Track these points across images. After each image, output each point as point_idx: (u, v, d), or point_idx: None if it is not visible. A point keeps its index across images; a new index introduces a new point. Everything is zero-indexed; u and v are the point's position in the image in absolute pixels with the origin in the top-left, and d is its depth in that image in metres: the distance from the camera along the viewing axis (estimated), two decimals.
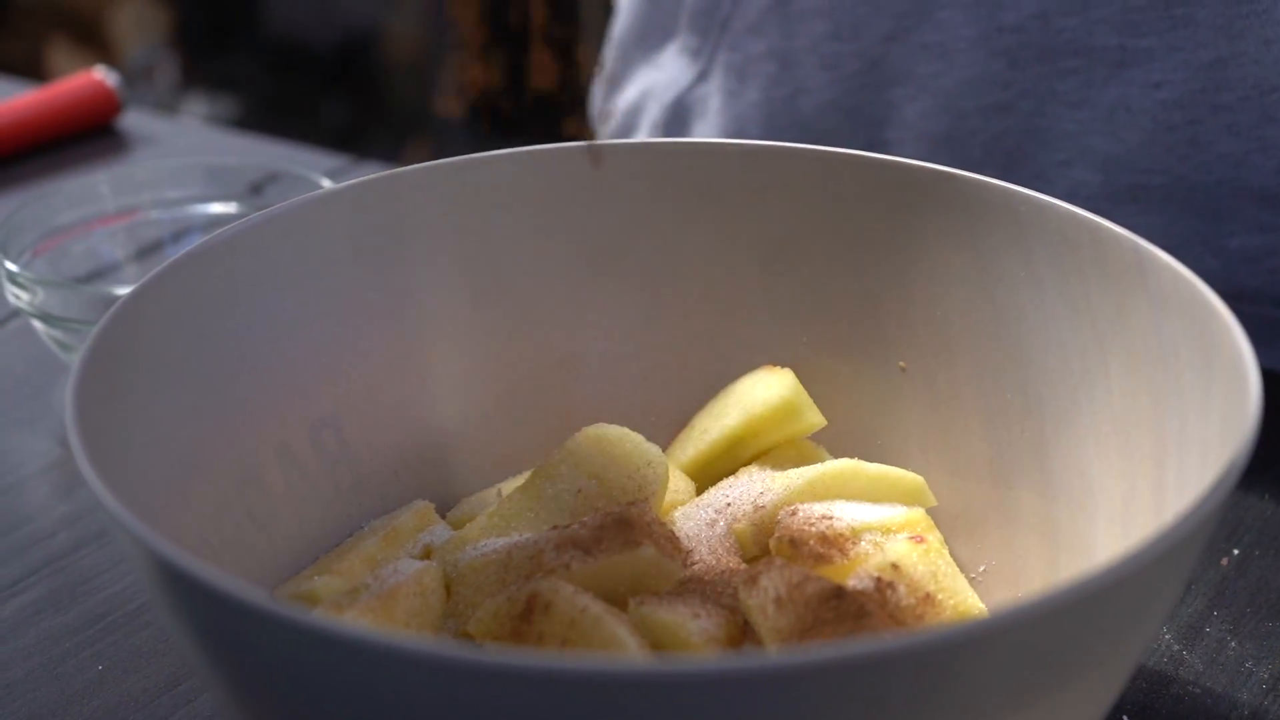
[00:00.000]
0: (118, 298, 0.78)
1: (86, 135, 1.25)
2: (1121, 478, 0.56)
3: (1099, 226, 0.58)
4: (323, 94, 3.41)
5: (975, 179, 0.62)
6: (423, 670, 0.38)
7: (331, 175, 1.03)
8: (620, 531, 0.56)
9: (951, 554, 0.60)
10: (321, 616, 0.39)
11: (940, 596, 0.55)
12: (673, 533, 0.59)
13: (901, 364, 0.65)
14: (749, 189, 0.66)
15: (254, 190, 0.95)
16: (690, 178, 0.66)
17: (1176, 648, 0.63)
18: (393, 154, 2.55)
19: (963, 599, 0.56)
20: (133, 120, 1.29)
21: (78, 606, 0.68)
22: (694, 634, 0.52)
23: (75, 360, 0.50)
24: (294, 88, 3.44)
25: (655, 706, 0.37)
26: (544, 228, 0.66)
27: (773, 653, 0.38)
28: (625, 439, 0.61)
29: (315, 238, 0.61)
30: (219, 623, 0.42)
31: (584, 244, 0.67)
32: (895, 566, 0.55)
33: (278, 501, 0.59)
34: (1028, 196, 0.60)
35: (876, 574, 0.55)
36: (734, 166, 0.65)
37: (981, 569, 0.62)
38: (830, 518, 0.59)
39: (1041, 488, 0.60)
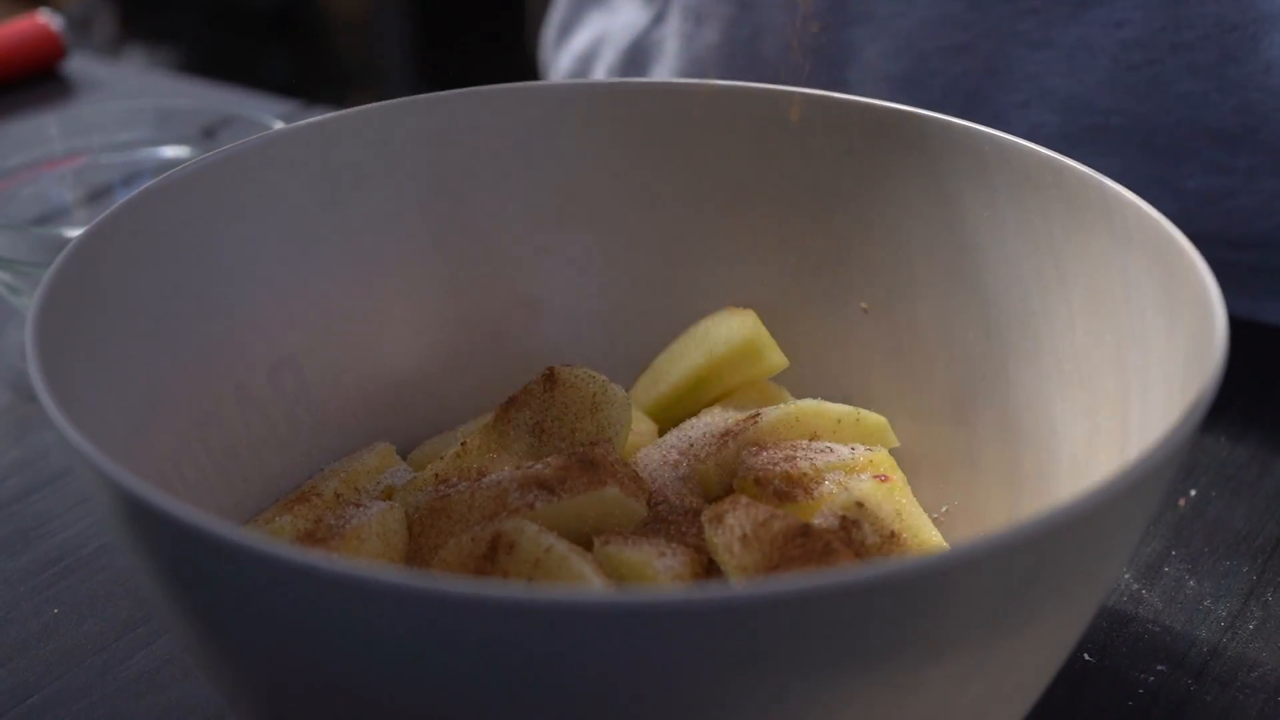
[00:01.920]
0: (67, 240, 0.77)
1: (30, 80, 1.23)
2: (1084, 416, 0.56)
3: (1063, 166, 0.58)
4: (262, 47, 3.38)
5: (938, 118, 0.61)
6: (397, 601, 0.37)
7: (283, 119, 1.02)
8: (585, 471, 0.56)
9: (915, 494, 0.60)
10: (292, 548, 0.38)
11: (904, 535, 0.55)
12: (636, 473, 0.58)
13: (864, 304, 0.65)
14: (710, 129, 0.65)
15: (206, 133, 0.93)
16: (651, 118, 0.66)
17: (1136, 586, 0.63)
18: (336, 108, 2.52)
19: (927, 537, 0.56)
20: (77, 65, 1.27)
21: (31, 551, 0.67)
22: (660, 571, 0.52)
23: (30, 301, 0.49)
24: (233, 41, 3.40)
25: (623, 637, 0.37)
26: (504, 168, 0.66)
27: (741, 585, 0.38)
28: (588, 380, 0.60)
29: (273, 177, 0.60)
30: (188, 558, 0.41)
31: (544, 185, 0.66)
32: (860, 505, 0.55)
33: (237, 443, 0.59)
34: (991, 136, 0.60)
35: (841, 512, 0.55)
36: (695, 106, 0.65)
37: (944, 509, 0.62)
38: (794, 458, 0.59)
39: (1004, 428, 0.60)
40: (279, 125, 0.87)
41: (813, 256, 0.65)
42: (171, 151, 0.91)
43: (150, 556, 0.43)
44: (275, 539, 0.52)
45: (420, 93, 0.63)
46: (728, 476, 0.60)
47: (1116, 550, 0.45)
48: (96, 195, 0.90)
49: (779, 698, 0.38)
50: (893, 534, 0.55)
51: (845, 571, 0.37)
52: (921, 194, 0.62)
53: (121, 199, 0.55)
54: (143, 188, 0.56)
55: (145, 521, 0.41)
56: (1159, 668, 0.59)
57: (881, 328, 0.64)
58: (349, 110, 0.62)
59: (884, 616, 0.38)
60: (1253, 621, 0.62)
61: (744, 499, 0.54)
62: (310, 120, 0.62)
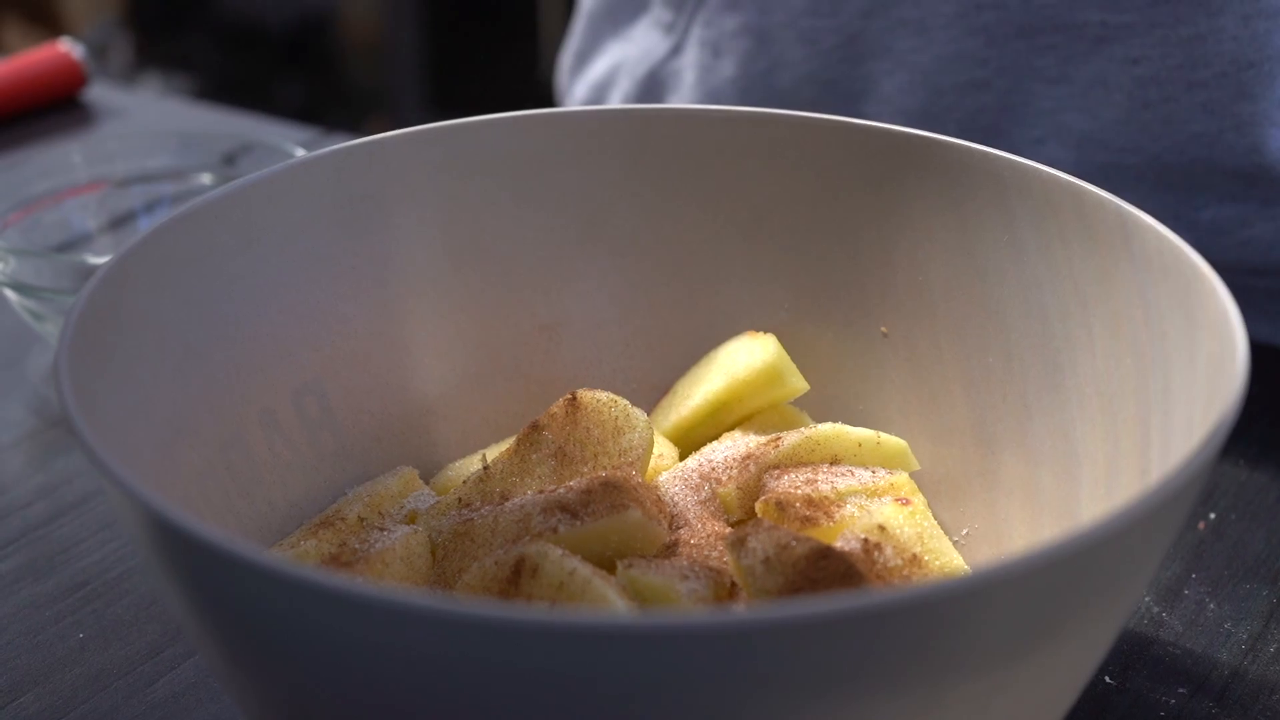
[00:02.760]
0: (92, 267, 0.78)
1: (51, 108, 1.24)
2: (1105, 440, 0.56)
3: (1082, 190, 0.58)
4: (278, 74, 3.39)
5: (957, 144, 0.62)
6: (423, 624, 0.38)
7: (304, 146, 1.03)
8: (608, 495, 0.56)
9: (935, 517, 0.60)
10: (319, 571, 0.39)
11: (926, 558, 0.55)
12: (659, 496, 0.59)
13: (883, 329, 0.65)
14: (730, 155, 0.66)
15: (227, 160, 0.94)
16: (672, 144, 0.66)
17: (1156, 610, 0.64)
18: (353, 133, 2.53)
19: (948, 560, 0.56)
20: (98, 93, 1.28)
21: (56, 576, 0.68)
22: (683, 595, 0.53)
23: (53, 326, 0.50)
24: (249, 68, 3.42)
25: (650, 659, 0.37)
26: (525, 194, 0.66)
27: (765, 608, 0.38)
28: (611, 404, 0.61)
29: (297, 204, 0.61)
30: (218, 581, 0.41)
31: (565, 210, 0.67)
32: (882, 528, 0.56)
33: (261, 467, 0.59)
34: (1010, 161, 0.60)
35: (863, 535, 0.55)
36: (716, 133, 0.65)
37: (965, 532, 0.62)
38: (815, 481, 0.59)
39: (1024, 451, 0.60)
40: (300, 152, 0.88)
41: (832, 281, 0.66)
42: (193, 179, 0.92)
43: (180, 579, 0.44)
44: (301, 563, 0.52)
45: (435, 117, 0.63)
46: (749, 500, 0.60)
47: (1139, 573, 0.45)
48: (119, 222, 0.91)
49: (800, 718, 0.39)
50: (914, 557, 0.55)
51: (869, 595, 0.37)
52: (940, 219, 0.63)
53: (145, 226, 0.56)
54: (168, 216, 0.56)
55: (176, 545, 0.42)
56: (1180, 690, 0.59)
57: (901, 352, 0.65)
58: (370, 138, 0.63)
59: (907, 639, 0.38)
60: (1274, 644, 0.62)
61: (766, 522, 0.54)
62: (332, 149, 0.62)
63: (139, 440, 0.52)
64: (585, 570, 0.52)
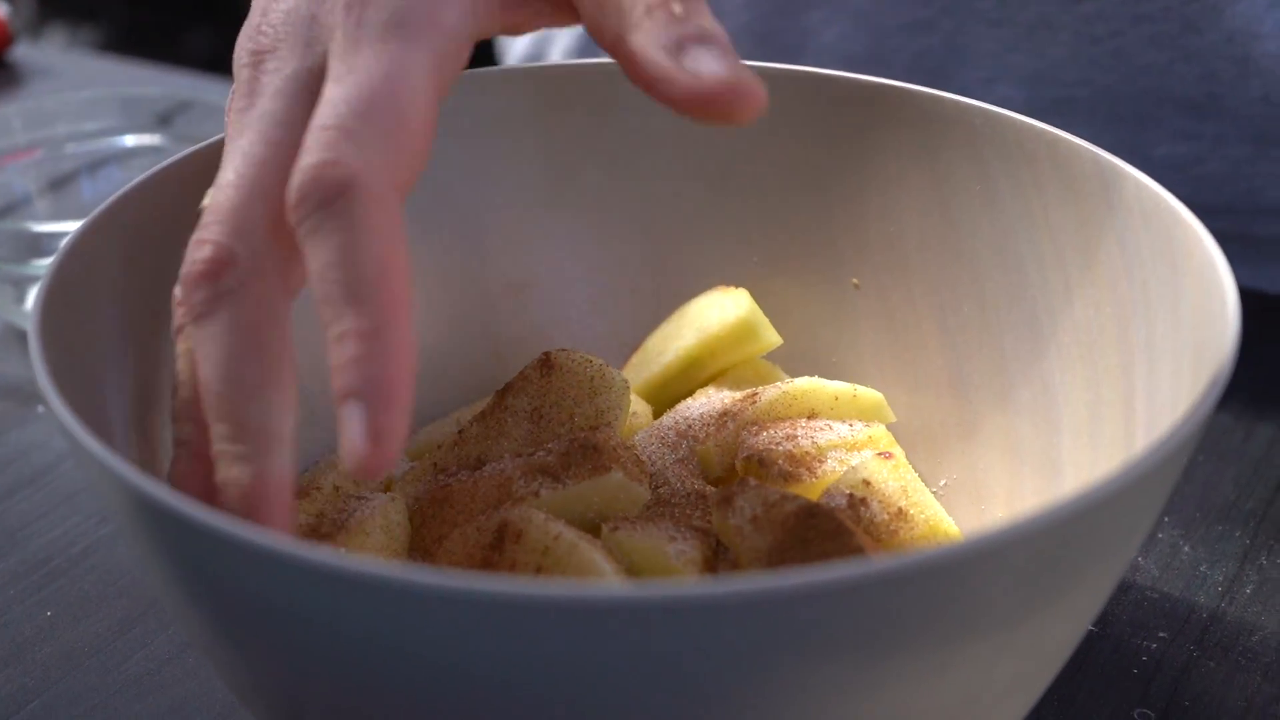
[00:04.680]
0: (34, 234, 0.76)
1: None
2: (1086, 389, 0.56)
3: (1057, 138, 0.58)
4: (184, 23, 3.34)
5: (928, 93, 0.61)
6: (420, 600, 0.37)
7: None
8: (588, 457, 0.55)
9: (913, 469, 0.60)
10: (305, 547, 0.38)
11: (912, 512, 0.55)
12: (638, 456, 0.58)
13: (855, 281, 0.64)
14: None
15: (162, 120, 0.92)
16: (636, 98, 0.65)
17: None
18: None
19: (933, 513, 0.56)
20: (23, 53, 1.25)
21: (18, 553, 0.66)
22: (673, 557, 0.52)
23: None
24: (153, 17, 3.36)
25: (657, 631, 0.37)
26: (490, 152, 0.65)
27: (762, 575, 0.38)
28: (585, 364, 0.60)
29: None
30: (211, 562, 0.40)
31: (531, 167, 0.66)
32: (867, 483, 0.55)
33: None
34: (983, 110, 0.60)
35: (849, 491, 0.55)
36: None
37: (943, 483, 0.62)
38: (795, 436, 0.59)
39: (1002, 401, 0.60)
40: None
41: (803, 234, 0.65)
42: (132, 139, 0.90)
43: (166, 559, 0.43)
44: (288, 539, 0.51)
45: None
46: (728, 457, 0.59)
47: (1145, 523, 0.45)
48: (59, 185, 0.89)
49: (806, 686, 0.38)
50: (900, 510, 0.55)
51: (882, 561, 0.36)
52: (913, 168, 0.62)
53: (87, 190, 0.54)
54: (130, 184, 0.55)
55: (165, 526, 0.41)
56: (1160, 635, 0.60)
57: (874, 304, 0.64)
58: None
59: (917, 603, 0.38)
60: (1249, 586, 0.62)
61: (751, 481, 0.54)
62: None
63: (113, 416, 0.51)
64: (570, 534, 0.51)
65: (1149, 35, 0.80)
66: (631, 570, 0.53)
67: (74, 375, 0.48)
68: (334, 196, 0.44)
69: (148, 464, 0.52)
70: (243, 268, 0.46)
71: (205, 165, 0.57)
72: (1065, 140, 0.57)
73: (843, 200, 0.64)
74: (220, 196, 0.47)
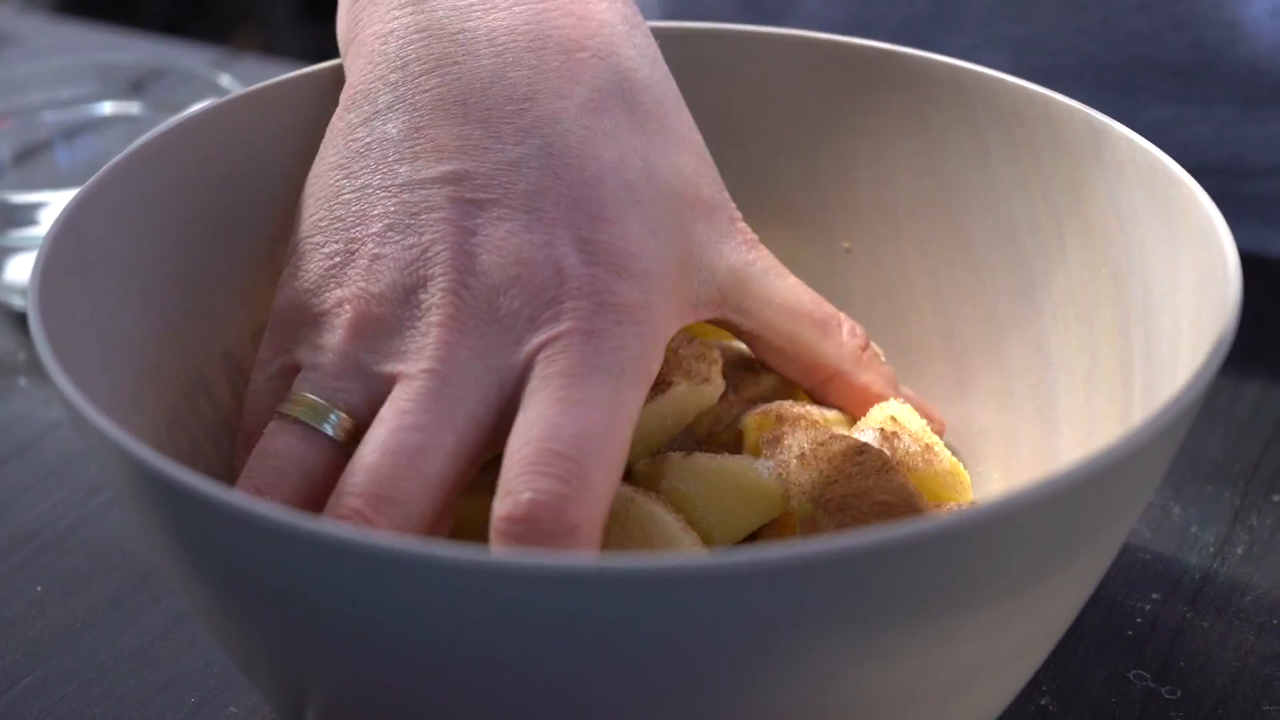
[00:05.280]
0: (8, 204, 0.75)
1: None
2: (1081, 350, 0.56)
3: (1050, 99, 0.58)
4: None
5: (919, 55, 0.61)
6: (424, 574, 0.37)
7: (214, 66, 1.00)
8: None
9: None
10: (319, 521, 0.37)
11: (936, 447, 0.55)
12: (700, 349, 0.57)
13: (846, 244, 0.64)
14: (684, 73, 0.64)
15: (134, 88, 0.91)
16: None
17: None
18: (220, 42, 2.47)
19: (947, 455, 0.56)
20: None
21: (5, 528, 0.66)
22: (763, 472, 0.52)
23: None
24: None
25: (682, 602, 0.37)
26: None
27: (772, 546, 0.38)
28: None
29: (252, 138, 0.58)
30: (222, 540, 0.40)
31: None
32: (894, 419, 0.55)
33: (227, 410, 0.57)
34: (975, 71, 0.60)
35: (879, 426, 0.55)
36: (672, 50, 0.64)
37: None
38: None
39: (997, 363, 0.60)
40: (226, 79, 0.85)
41: (793, 197, 0.65)
42: (109, 107, 0.89)
43: (165, 531, 0.42)
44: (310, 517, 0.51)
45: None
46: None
47: (1153, 482, 0.45)
48: (32, 154, 0.87)
49: (817, 655, 0.38)
50: (927, 445, 0.55)
51: (902, 527, 0.36)
52: (904, 131, 0.62)
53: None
54: (122, 155, 0.54)
55: (161, 496, 0.40)
56: (1154, 596, 0.60)
57: (865, 268, 0.64)
58: (323, 65, 0.60)
59: (937, 570, 0.38)
60: (1240, 546, 0.62)
61: (802, 421, 0.54)
62: (283, 78, 0.60)
63: (113, 388, 0.50)
64: (645, 503, 0.51)
65: (1138, 2, 0.80)
66: (710, 493, 0.53)
67: (74, 353, 0.47)
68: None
69: (148, 438, 0.52)
70: None
71: (195, 132, 0.57)
72: (1057, 101, 0.57)
73: (833, 164, 0.64)
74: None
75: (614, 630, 0.37)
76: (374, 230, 0.49)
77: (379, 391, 0.47)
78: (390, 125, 0.50)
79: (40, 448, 0.70)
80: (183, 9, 3.23)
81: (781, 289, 0.55)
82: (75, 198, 0.51)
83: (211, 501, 0.38)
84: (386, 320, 0.47)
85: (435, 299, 0.47)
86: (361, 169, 0.50)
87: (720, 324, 0.55)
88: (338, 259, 0.49)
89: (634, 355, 0.47)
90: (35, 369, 0.75)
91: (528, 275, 0.47)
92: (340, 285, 0.49)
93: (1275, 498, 0.65)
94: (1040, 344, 0.58)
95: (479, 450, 0.47)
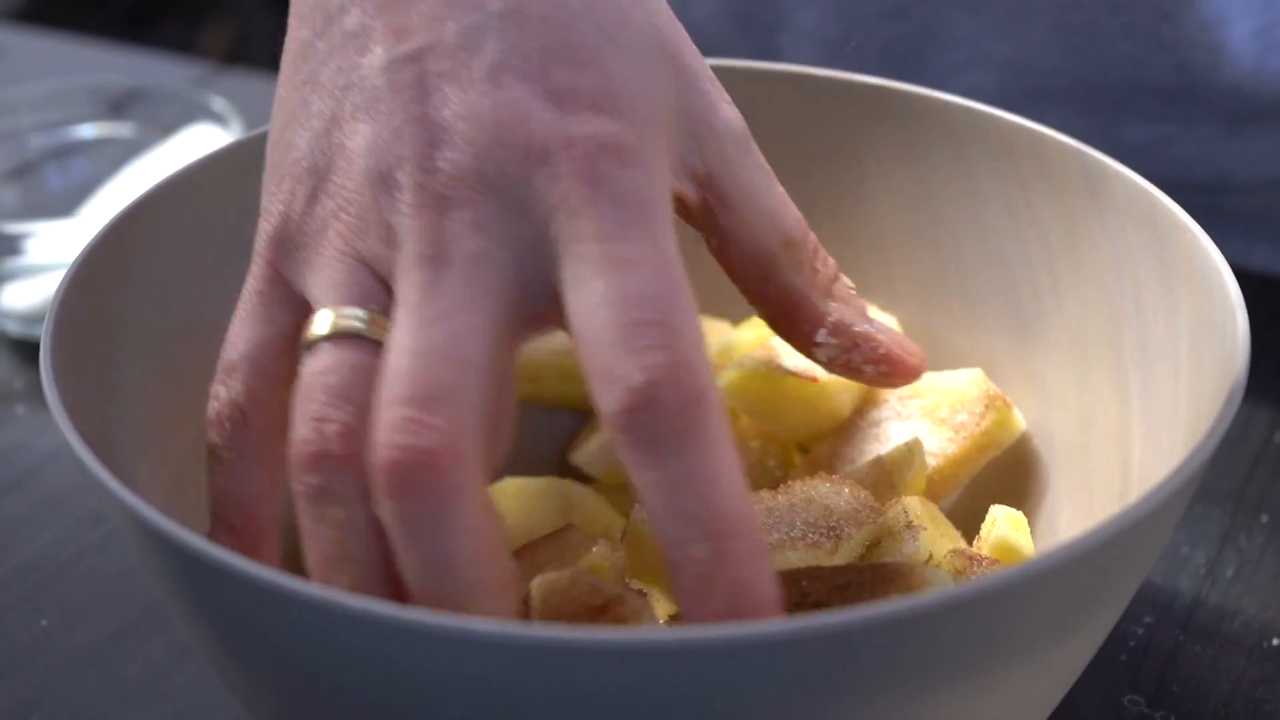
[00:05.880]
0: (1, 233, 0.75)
1: None
2: (1078, 390, 0.57)
3: (1041, 135, 0.58)
4: None
5: (912, 90, 0.62)
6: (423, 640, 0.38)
7: (197, 84, 1.00)
8: None
9: None
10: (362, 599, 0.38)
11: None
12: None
13: None
14: None
15: (114, 109, 0.90)
16: None
17: None
18: (189, 40, 2.46)
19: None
20: None
21: (8, 561, 0.66)
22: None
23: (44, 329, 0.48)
24: None
25: (725, 672, 0.37)
26: None
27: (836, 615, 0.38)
28: None
29: (248, 187, 0.59)
30: (252, 615, 0.41)
31: None
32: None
33: None
34: (968, 108, 0.60)
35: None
36: None
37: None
38: None
39: None
40: (217, 101, 0.85)
41: None
42: (88, 130, 0.88)
43: (199, 609, 0.43)
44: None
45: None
46: None
47: (1166, 534, 0.47)
48: (21, 177, 0.87)
49: (862, 714, 0.39)
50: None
51: (924, 599, 0.37)
52: (896, 166, 0.63)
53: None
54: (132, 203, 0.54)
55: (197, 573, 0.41)
56: (1146, 620, 0.61)
57: None
58: None
59: (965, 636, 0.39)
60: (1230, 566, 0.64)
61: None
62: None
63: (122, 443, 0.50)
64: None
65: (1125, 24, 0.81)
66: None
67: (87, 412, 0.47)
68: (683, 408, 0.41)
69: (153, 498, 0.52)
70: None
71: (205, 177, 0.57)
72: (1050, 137, 0.58)
73: (826, 200, 0.64)
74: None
75: (659, 707, 0.38)
76: (346, 130, 0.46)
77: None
78: (347, 22, 0.47)
79: (40, 477, 0.71)
80: (149, 6, 3.21)
81: (770, 191, 0.52)
82: (85, 248, 0.51)
83: (222, 567, 0.39)
84: (370, 213, 0.45)
85: (412, 179, 0.44)
86: (327, 79, 0.48)
87: (694, 214, 0.50)
88: (317, 173, 0.47)
89: (649, 195, 0.44)
90: (32, 396, 0.75)
91: (507, 135, 0.44)
92: (323, 196, 0.46)
93: (1264, 518, 0.66)
94: (1039, 382, 0.59)
95: (514, 327, 0.44)
